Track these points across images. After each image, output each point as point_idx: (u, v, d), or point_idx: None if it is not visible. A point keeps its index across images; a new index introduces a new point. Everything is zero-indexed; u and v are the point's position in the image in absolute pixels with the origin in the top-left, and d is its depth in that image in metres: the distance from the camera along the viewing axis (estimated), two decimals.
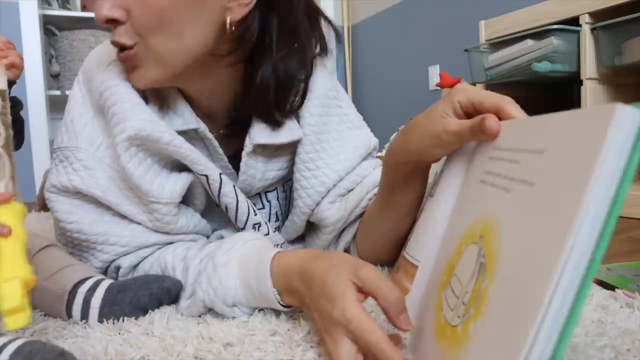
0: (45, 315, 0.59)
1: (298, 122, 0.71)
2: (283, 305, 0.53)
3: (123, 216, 0.64)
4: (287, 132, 0.70)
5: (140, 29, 0.57)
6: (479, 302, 0.29)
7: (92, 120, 0.65)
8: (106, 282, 0.58)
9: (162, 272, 0.62)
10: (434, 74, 2.22)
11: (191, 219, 0.67)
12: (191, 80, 0.64)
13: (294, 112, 0.70)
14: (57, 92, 2.34)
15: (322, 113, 0.72)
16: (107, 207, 0.63)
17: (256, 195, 0.77)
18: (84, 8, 2.41)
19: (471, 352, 0.28)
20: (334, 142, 0.73)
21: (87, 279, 0.58)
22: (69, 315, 0.56)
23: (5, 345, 0.41)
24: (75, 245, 0.65)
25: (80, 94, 0.67)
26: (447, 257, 0.41)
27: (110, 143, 0.63)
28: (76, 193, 0.63)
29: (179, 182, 0.64)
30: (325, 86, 0.73)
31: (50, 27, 2.39)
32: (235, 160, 0.71)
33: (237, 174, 0.71)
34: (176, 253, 0.63)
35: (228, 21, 0.59)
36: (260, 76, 0.64)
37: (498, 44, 1.47)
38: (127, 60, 0.60)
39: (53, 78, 2.45)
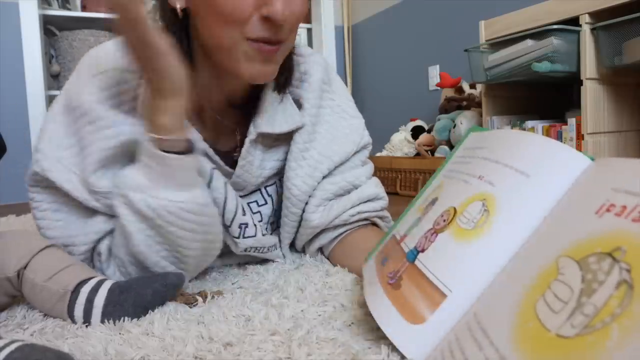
0: (44, 316, 0.59)
1: (299, 110, 0.74)
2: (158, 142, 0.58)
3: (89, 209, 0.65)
4: (290, 121, 0.72)
5: (295, 26, 0.62)
6: (620, 316, 0.29)
7: (60, 119, 0.66)
8: (108, 283, 0.58)
9: (123, 232, 0.62)
10: (434, 74, 2.22)
11: None
12: None
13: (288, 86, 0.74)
14: (57, 92, 2.34)
15: (318, 105, 0.75)
16: (77, 201, 0.65)
17: (257, 191, 0.77)
18: (84, 8, 2.41)
19: None
20: (325, 133, 0.75)
21: (89, 279, 0.58)
22: (71, 314, 0.56)
23: None
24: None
25: (63, 92, 0.68)
26: (529, 269, 0.38)
27: (71, 143, 0.64)
28: (46, 187, 0.65)
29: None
30: (320, 78, 0.76)
31: (50, 27, 2.39)
32: (231, 156, 0.73)
33: (234, 169, 0.72)
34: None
35: None
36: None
37: (498, 44, 1.46)
38: (275, 53, 0.62)
39: (53, 78, 2.45)
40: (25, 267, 0.58)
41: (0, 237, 0.61)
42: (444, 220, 0.48)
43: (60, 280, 0.57)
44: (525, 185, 0.44)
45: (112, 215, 0.64)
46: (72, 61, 2.36)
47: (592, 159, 0.42)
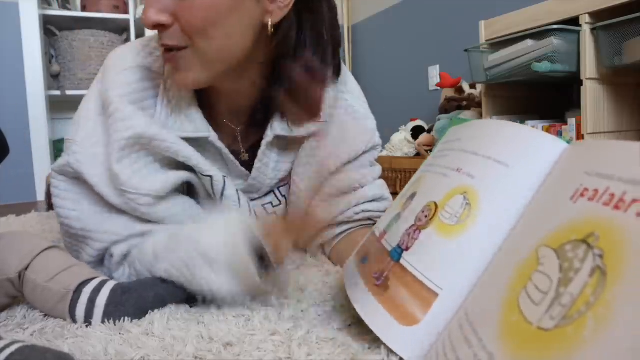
0: (45, 316, 0.59)
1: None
2: None
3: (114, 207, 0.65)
4: (306, 126, 0.72)
5: (188, 32, 0.59)
6: (594, 305, 0.29)
7: (97, 118, 0.67)
8: (111, 283, 0.58)
9: (141, 259, 0.63)
10: (434, 74, 2.22)
11: (183, 208, 0.68)
12: (226, 80, 0.66)
13: (321, 108, 0.71)
14: (57, 92, 2.34)
15: (333, 105, 0.75)
16: (101, 197, 0.65)
17: (270, 193, 0.78)
18: (84, 8, 2.41)
19: (593, 355, 0.27)
20: (337, 133, 0.75)
21: (91, 279, 0.58)
22: (72, 314, 0.56)
23: None
24: (72, 234, 0.67)
25: (95, 90, 0.69)
26: (513, 262, 0.38)
27: (107, 142, 0.65)
28: (73, 178, 0.65)
29: (171, 178, 0.65)
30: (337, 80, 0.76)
31: (50, 27, 2.39)
32: (248, 155, 0.74)
33: (250, 171, 0.73)
34: (157, 239, 0.64)
35: (270, 24, 0.61)
36: (290, 72, 0.66)
37: (498, 44, 1.46)
38: (173, 61, 0.62)
39: (53, 78, 2.44)
40: (26, 268, 0.58)
41: (1, 238, 0.61)
42: (426, 216, 0.46)
43: (62, 280, 0.57)
44: (505, 176, 0.43)
45: (138, 218, 0.65)
46: (72, 61, 2.36)
47: (569, 142, 0.41)
